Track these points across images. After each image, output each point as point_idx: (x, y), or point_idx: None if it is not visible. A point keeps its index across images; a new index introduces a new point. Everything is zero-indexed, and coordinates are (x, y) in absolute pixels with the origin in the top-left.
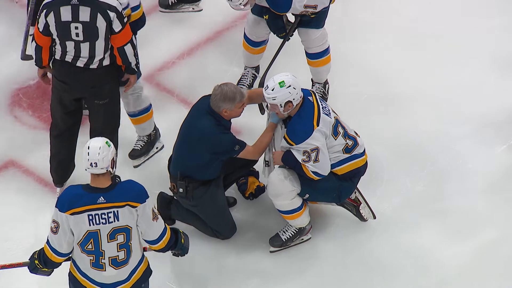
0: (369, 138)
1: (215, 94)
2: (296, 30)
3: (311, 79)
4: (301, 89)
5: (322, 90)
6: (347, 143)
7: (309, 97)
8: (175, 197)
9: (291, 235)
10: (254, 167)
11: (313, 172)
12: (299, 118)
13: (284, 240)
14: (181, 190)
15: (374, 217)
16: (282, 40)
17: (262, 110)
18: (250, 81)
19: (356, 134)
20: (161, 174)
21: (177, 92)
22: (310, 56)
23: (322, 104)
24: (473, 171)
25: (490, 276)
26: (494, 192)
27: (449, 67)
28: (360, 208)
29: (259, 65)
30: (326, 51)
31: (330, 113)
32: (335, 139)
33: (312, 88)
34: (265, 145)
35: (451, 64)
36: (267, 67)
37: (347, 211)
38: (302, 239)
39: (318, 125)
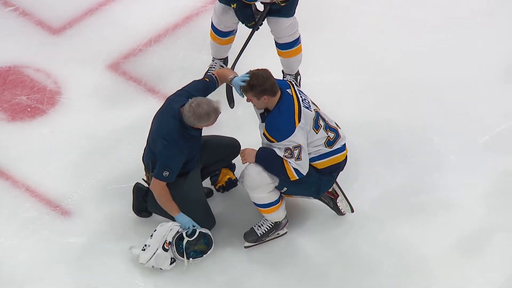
0: (346, 129)
1: (188, 116)
2: (266, 19)
3: (282, 71)
4: (278, 80)
5: (293, 82)
6: (328, 136)
7: (288, 90)
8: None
9: (266, 230)
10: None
11: (294, 169)
12: (279, 113)
13: (259, 235)
14: None
15: (352, 211)
16: (251, 30)
17: (231, 104)
18: None
19: (337, 125)
20: (137, 163)
21: (145, 81)
22: (280, 46)
23: (301, 96)
24: (455, 163)
25: (473, 271)
26: (477, 184)
27: (430, 55)
28: (337, 201)
29: (227, 57)
30: (297, 41)
31: (310, 106)
32: (317, 133)
33: (284, 78)
34: (164, 204)
35: (432, 52)
36: (236, 59)
37: (324, 204)
38: (278, 233)
39: (299, 121)
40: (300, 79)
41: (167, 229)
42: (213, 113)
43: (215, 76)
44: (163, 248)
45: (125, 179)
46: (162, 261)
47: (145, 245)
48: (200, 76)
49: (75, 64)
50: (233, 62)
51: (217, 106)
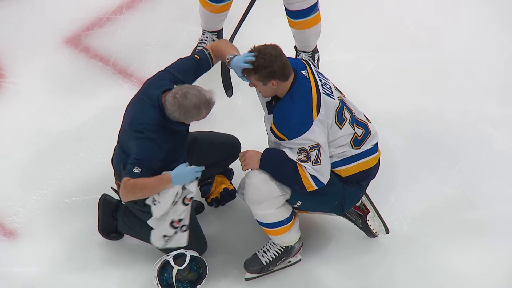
0: (379, 124)
1: (172, 110)
2: None
3: (295, 47)
4: (291, 59)
5: (310, 62)
6: (355, 133)
7: (303, 72)
8: (122, 202)
9: (274, 257)
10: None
11: (312, 176)
12: (292, 102)
13: (264, 264)
14: None
15: (387, 232)
16: None
17: (228, 91)
18: None
19: (367, 119)
20: (104, 169)
21: (114, 60)
22: (292, 14)
23: (321, 80)
24: None
25: None
26: None
27: (490, 29)
28: (367, 219)
29: (222, 29)
30: (313, 8)
31: (332, 93)
32: (340, 128)
33: (297, 57)
34: (141, 190)
35: (493, 24)
36: (234, 32)
37: (350, 223)
38: (290, 261)
39: (318, 112)
40: (318, 57)
41: (172, 196)
42: (204, 107)
43: (208, 52)
44: (172, 225)
45: (88, 189)
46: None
47: (155, 200)
48: (187, 53)
49: (22, 38)
50: (230, 36)
51: (209, 97)
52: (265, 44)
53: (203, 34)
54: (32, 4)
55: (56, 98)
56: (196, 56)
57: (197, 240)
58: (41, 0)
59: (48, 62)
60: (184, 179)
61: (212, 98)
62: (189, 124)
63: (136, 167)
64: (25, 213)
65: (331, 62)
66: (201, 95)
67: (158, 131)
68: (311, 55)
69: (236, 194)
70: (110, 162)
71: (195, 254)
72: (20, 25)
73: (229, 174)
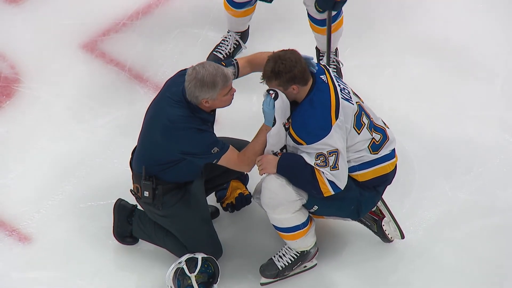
0: (395, 129)
1: (189, 80)
2: None
3: (316, 47)
4: (310, 61)
5: (334, 59)
6: (373, 138)
7: (322, 76)
8: (138, 207)
9: (290, 262)
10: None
11: (329, 182)
12: (311, 107)
13: (280, 268)
14: (146, 193)
15: (402, 237)
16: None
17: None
18: (230, 49)
19: (385, 124)
20: (119, 174)
21: (130, 65)
22: (318, 22)
23: (340, 85)
24: None
25: None
26: None
27: (508, 36)
28: (383, 224)
29: (247, 30)
30: (338, 14)
31: (351, 98)
32: (359, 133)
33: (320, 60)
34: (256, 154)
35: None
36: (327, 55)
37: (365, 228)
38: (305, 266)
39: (337, 117)
40: (337, 56)
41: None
42: (220, 78)
43: (236, 62)
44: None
45: (103, 194)
46: None
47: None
48: (203, 59)
49: (38, 43)
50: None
51: (227, 72)
52: (283, 50)
53: (227, 32)
54: (48, 9)
55: (72, 103)
56: (222, 63)
57: (212, 245)
58: (57, 5)
59: (64, 67)
60: (270, 115)
61: (230, 74)
62: (214, 114)
63: (212, 150)
64: (40, 218)
65: (347, 68)
66: (218, 68)
67: (191, 121)
68: (334, 54)
69: (252, 199)
70: (129, 165)
71: (204, 255)
72: (36, 31)
73: (244, 179)
